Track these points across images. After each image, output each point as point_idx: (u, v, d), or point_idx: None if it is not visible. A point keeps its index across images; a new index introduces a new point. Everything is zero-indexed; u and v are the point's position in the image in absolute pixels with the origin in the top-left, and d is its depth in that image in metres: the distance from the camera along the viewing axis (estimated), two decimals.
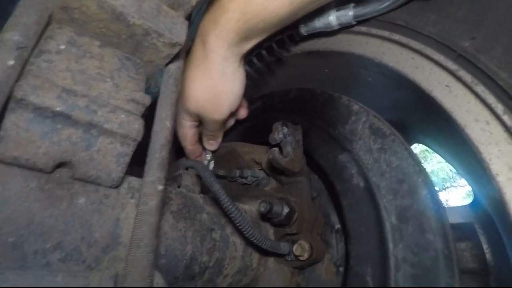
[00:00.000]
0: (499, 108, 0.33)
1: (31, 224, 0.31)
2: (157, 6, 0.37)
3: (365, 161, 0.46)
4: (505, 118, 0.32)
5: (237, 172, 0.66)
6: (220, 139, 0.67)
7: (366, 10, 0.46)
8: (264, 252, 0.51)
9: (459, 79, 0.36)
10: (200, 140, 0.68)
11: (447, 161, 0.62)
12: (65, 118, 0.33)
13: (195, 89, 0.54)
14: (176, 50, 0.40)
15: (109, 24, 0.36)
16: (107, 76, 0.37)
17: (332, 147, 0.51)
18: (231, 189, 0.68)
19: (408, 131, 0.65)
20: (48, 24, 0.35)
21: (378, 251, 0.41)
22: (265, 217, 0.51)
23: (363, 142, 0.47)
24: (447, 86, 0.37)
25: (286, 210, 0.50)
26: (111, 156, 0.36)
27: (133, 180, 0.41)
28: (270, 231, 0.55)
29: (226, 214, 0.44)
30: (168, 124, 0.40)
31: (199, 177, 0.51)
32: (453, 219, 0.62)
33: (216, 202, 0.48)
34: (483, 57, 0.34)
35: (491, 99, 0.33)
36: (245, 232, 0.44)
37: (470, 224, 0.60)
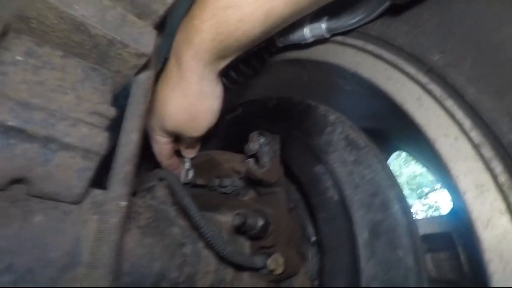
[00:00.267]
0: (467, 124, 0.32)
1: None
2: (121, 15, 0.36)
3: (339, 174, 0.45)
4: (473, 134, 0.32)
5: (217, 181, 0.65)
6: (198, 147, 0.67)
7: (339, 23, 0.45)
8: (239, 266, 0.49)
9: (429, 92, 0.36)
10: (177, 153, 0.67)
11: (426, 169, 0.61)
12: (19, 132, 0.31)
13: (172, 109, 0.54)
14: (143, 60, 0.39)
15: (70, 35, 0.35)
16: (69, 88, 0.36)
17: (308, 158, 0.51)
18: (211, 198, 0.67)
19: (389, 139, 0.65)
20: (4, 34, 0.33)
21: (350, 267, 0.41)
22: (239, 229, 0.50)
23: (338, 153, 0.47)
24: (418, 99, 0.37)
25: (261, 222, 0.49)
26: (72, 171, 0.35)
27: (98, 195, 0.40)
28: (246, 244, 0.53)
29: (198, 229, 0.43)
30: (134, 137, 0.39)
31: None
32: (432, 229, 0.62)
33: (188, 216, 0.47)
34: (452, 71, 0.33)
35: (459, 114, 0.33)
36: (215, 248, 0.42)
37: (449, 234, 0.60)
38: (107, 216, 0.34)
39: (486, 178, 0.31)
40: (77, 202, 0.36)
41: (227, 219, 0.55)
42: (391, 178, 0.42)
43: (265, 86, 0.69)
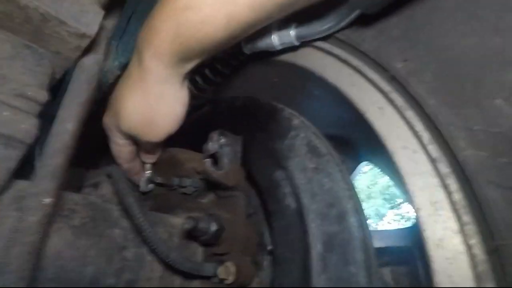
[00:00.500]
0: (426, 137, 0.31)
1: None
2: None
3: (298, 181, 0.43)
4: (431, 148, 0.30)
5: (176, 181, 0.61)
6: (158, 154, 0.62)
7: (309, 31, 0.43)
8: (188, 274, 0.46)
9: (391, 102, 0.34)
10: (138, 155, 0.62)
11: (392, 181, 0.60)
12: None
13: (129, 110, 0.49)
14: (85, 42, 0.35)
15: None
16: None
17: (269, 163, 0.48)
18: (169, 198, 0.63)
19: (355, 149, 0.63)
20: None
21: (301, 281, 0.38)
22: (191, 234, 0.47)
23: (299, 159, 0.44)
24: (380, 108, 0.35)
25: (213, 228, 0.46)
26: None
27: (24, 188, 0.35)
28: (198, 249, 0.50)
29: (139, 232, 0.39)
30: (69, 127, 0.34)
31: None
32: (393, 242, 0.61)
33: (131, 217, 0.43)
34: (413, 80, 0.32)
35: (419, 126, 0.31)
36: (158, 253, 0.39)
37: (409, 248, 0.59)
38: (26, 214, 0.30)
39: (441, 195, 0.29)
40: None
41: (181, 221, 0.51)
42: (350, 189, 0.40)
43: (233, 85, 0.66)
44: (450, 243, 0.28)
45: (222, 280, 0.46)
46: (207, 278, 0.47)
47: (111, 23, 0.43)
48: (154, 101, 0.48)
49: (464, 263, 0.27)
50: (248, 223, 0.51)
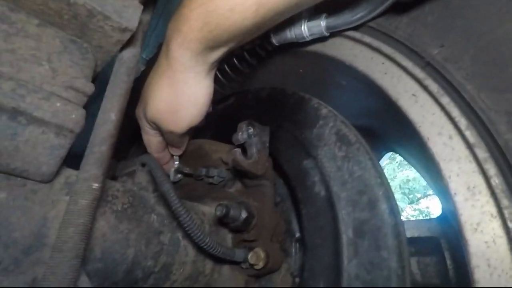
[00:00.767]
0: (463, 122, 0.31)
1: None
2: None
3: (328, 169, 0.44)
4: (468, 133, 0.30)
5: (203, 171, 0.63)
6: (183, 147, 0.64)
7: (339, 21, 0.43)
8: (219, 259, 0.48)
9: (425, 88, 0.34)
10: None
11: (417, 171, 0.60)
12: None
13: (155, 98, 0.51)
14: (126, 36, 0.37)
15: (47, 2, 0.32)
16: (44, 59, 0.33)
17: (297, 152, 0.49)
18: (196, 188, 0.65)
19: (382, 139, 0.63)
20: None
21: (332, 266, 0.39)
22: (222, 221, 0.49)
23: (328, 148, 0.45)
24: (413, 95, 0.35)
25: (244, 215, 0.47)
26: (43, 148, 0.33)
27: (72, 175, 0.38)
28: (228, 236, 0.52)
29: (176, 217, 0.41)
30: (113, 116, 0.36)
31: None
32: (420, 232, 0.61)
33: (168, 203, 0.45)
34: (450, 66, 0.32)
35: (455, 112, 0.31)
36: (194, 237, 0.41)
37: (436, 238, 0.59)
38: (77, 197, 0.32)
39: (478, 180, 0.29)
40: (47, 180, 0.34)
41: (210, 209, 0.53)
42: (381, 177, 0.40)
43: (258, 76, 0.67)
44: (488, 227, 0.28)
45: (252, 266, 0.47)
46: (237, 263, 0.49)
47: (146, 18, 0.45)
48: (179, 89, 0.49)
49: (503, 246, 0.27)
50: (275, 211, 0.53)
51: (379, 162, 0.76)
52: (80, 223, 0.31)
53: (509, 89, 0.28)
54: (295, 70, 0.62)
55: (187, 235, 0.46)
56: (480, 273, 0.27)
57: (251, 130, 0.51)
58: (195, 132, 0.65)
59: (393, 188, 0.40)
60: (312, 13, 0.47)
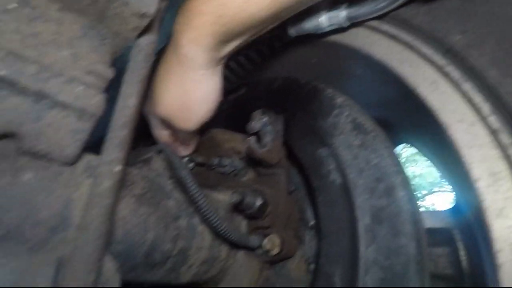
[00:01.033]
0: (486, 108, 0.31)
1: None
2: None
3: (344, 157, 0.44)
4: (491, 119, 0.30)
5: (216, 160, 0.63)
6: (193, 146, 0.63)
7: (361, 11, 0.42)
8: (234, 244, 0.48)
9: (446, 75, 0.34)
10: None
11: (432, 162, 0.60)
12: (11, 84, 0.29)
13: (164, 95, 0.50)
14: (145, 22, 0.37)
15: None
16: (65, 44, 0.34)
17: (312, 140, 0.49)
18: (208, 177, 0.65)
19: (395, 131, 0.63)
20: None
21: (348, 252, 0.39)
22: (237, 208, 0.49)
23: (344, 137, 0.45)
24: (433, 82, 0.35)
25: (259, 202, 0.48)
26: (65, 131, 0.33)
27: (93, 159, 0.38)
28: (242, 223, 0.52)
29: (194, 203, 0.42)
30: (132, 101, 0.37)
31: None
32: (432, 223, 0.60)
33: (185, 189, 0.45)
34: (473, 52, 0.31)
35: (478, 98, 0.31)
36: (211, 222, 0.41)
37: (449, 229, 0.58)
38: (101, 179, 0.33)
39: (502, 166, 0.29)
40: (69, 163, 0.35)
41: (224, 197, 0.54)
42: (398, 164, 0.40)
43: (269, 67, 0.67)
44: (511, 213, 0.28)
45: (267, 252, 0.48)
46: (252, 249, 0.49)
47: (163, 4, 0.45)
48: (190, 86, 0.49)
49: None
50: (289, 199, 0.53)
51: None
52: (104, 204, 0.32)
53: None
54: (307, 61, 0.62)
55: (204, 221, 0.46)
56: (504, 257, 0.27)
57: (265, 119, 0.51)
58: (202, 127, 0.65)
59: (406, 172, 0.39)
60: (331, 3, 0.46)
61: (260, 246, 0.47)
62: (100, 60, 0.36)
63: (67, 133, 0.33)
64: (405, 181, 0.39)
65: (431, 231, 0.63)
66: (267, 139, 0.51)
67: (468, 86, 0.32)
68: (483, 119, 0.31)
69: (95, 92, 0.34)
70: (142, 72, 0.40)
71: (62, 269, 0.30)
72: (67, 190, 0.34)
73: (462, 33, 0.33)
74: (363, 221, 0.39)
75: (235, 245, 0.49)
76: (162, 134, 0.60)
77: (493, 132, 0.30)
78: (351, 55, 0.50)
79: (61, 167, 0.34)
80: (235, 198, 0.46)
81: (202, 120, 0.53)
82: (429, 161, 0.60)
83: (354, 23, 0.47)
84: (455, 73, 0.33)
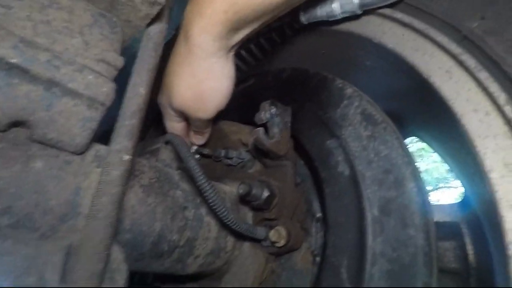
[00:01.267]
0: (502, 97, 0.30)
1: None
2: None
3: (352, 148, 0.43)
4: (507, 109, 0.29)
5: (223, 152, 0.63)
6: (207, 135, 0.63)
7: None
8: (240, 236, 0.49)
9: (461, 64, 0.33)
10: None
11: (441, 156, 0.59)
12: (23, 72, 0.29)
13: (178, 86, 0.50)
14: (155, 10, 0.36)
15: None
16: (76, 31, 0.34)
17: (320, 132, 0.49)
18: (215, 169, 0.66)
19: (404, 123, 0.62)
20: None
21: (356, 243, 0.39)
22: (244, 199, 0.49)
23: (353, 128, 0.45)
24: (447, 71, 0.34)
25: (266, 194, 0.48)
26: (76, 119, 0.33)
27: (101, 149, 0.38)
28: (249, 214, 0.53)
29: (201, 193, 0.42)
30: (142, 90, 0.37)
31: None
32: (440, 217, 0.60)
33: (193, 179, 0.46)
34: (491, 40, 0.30)
35: (494, 87, 0.30)
36: (218, 213, 0.41)
37: (456, 223, 0.58)
38: (110, 168, 0.33)
39: None
40: (79, 152, 0.35)
41: (231, 189, 0.54)
42: (408, 156, 0.40)
43: (280, 57, 0.66)
44: None
45: (273, 243, 0.48)
46: (258, 241, 0.49)
47: None
48: (203, 76, 0.49)
49: None
50: (296, 191, 0.53)
51: None
52: (113, 192, 0.32)
53: None
54: (317, 50, 0.61)
55: (211, 212, 0.46)
56: None
57: (273, 110, 0.51)
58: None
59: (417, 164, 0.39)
60: None
61: (266, 238, 0.47)
62: (111, 48, 0.36)
63: (78, 121, 0.33)
64: (415, 173, 0.39)
65: (438, 225, 0.63)
66: (275, 130, 0.51)
67: (484, 75, 0.31)
68: (499, 108, 0.30)
69: (105, 81, 0.34)
70: (152, 61, 0.39)
71: (71, 257, 0.30)
72: (76, 179, 0.34)
73: (481, 19, 0.32)
74: (371, 212, 0.39)
75: (241, 236, 0.49)
76: (175, 126, 0.60)
77: (509, 122, 0.29)
78: (362, 44, 0.49)
79: (71, 156, 0.35)
80: (242, 189, 0.46)
81: (218, 108, 0.53)
82: (436, 156, 0.59)
83: (366, 11, 0.46)
84: (470, 61, 0.32)
